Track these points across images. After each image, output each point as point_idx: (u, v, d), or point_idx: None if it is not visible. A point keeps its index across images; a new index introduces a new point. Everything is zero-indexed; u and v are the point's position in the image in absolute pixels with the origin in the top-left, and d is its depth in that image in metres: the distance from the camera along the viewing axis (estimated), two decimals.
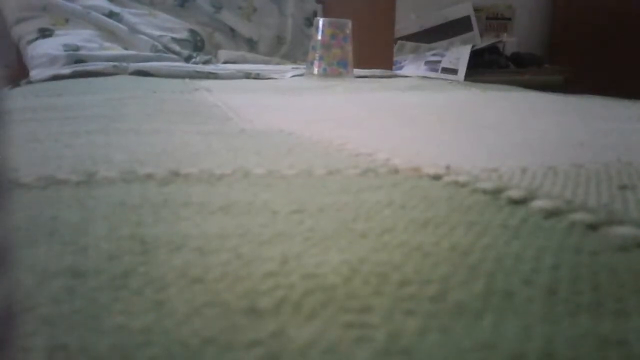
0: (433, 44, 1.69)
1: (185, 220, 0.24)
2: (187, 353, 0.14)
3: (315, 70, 1.17)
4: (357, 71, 1.23)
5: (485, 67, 1.54)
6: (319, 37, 1.18)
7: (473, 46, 1.53)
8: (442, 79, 1.28)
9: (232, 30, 1.52)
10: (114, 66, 1.11)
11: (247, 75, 1.17)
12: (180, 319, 0.15)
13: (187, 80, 1.07)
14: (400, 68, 1.56)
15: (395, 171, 0.32)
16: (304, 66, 1.29)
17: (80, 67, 1.11)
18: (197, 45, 1.42)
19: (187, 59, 1.35)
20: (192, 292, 0.17)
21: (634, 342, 0.14)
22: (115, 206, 0.25)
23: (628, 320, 0.15)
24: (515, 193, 0.26)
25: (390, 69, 1.44)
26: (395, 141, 0.45)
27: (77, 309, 0.16)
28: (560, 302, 0.16)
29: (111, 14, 1.36)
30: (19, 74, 1.29)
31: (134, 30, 1.35)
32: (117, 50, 1.28)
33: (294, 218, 0.24)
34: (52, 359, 0.14)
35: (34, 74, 1.16)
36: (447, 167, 0.32)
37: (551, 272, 0.18)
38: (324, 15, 1.62)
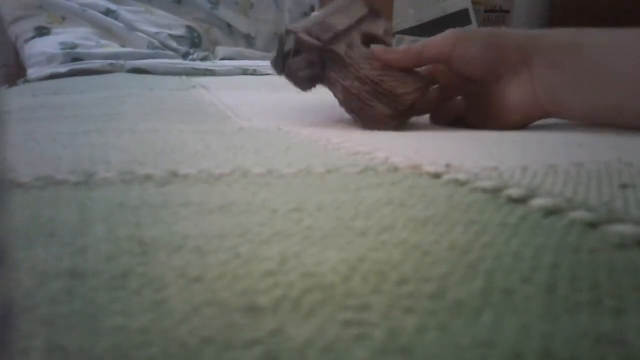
0: None
1: (184, 220, 0.24)
2: (186, 353, 0.14)
3: None
4: None
5: None
6: None
7: None
8: None
9: (229, 26, 1.52)
10: (111, 64, 1.11)
11: (245, 72, 1.17)
12: (179, 318, 0.15)
13: (184, 77, 1.07)
14: None
15: (395, 169, 0.32)
16: None
17: (77, 66, 1.11)
18: (194, 42, 1.42)
19: (185, 56, 1.35)
20: (191, 292, 0.17)
21: (633, 340, 0.14)
22: (115, 207, 0.25)
23: (627, 318, 0.15)
24: (515, 192, 0.26)
25: None
26: (394, 139, 0.45)
27: (76, 310, 0.16)
28: (559, 300, 0.16)
29: (108, 12, 1.35)
30: (16, 73, 1.28)
31: (130, 27, 1.35)
32: (114, 48, 1.28)
33: (293, 217, 0.24)
34: None
35: (31, 72, 1.16)
36: (447, 166, 0.31)
37: (550, 271, 0.18)
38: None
